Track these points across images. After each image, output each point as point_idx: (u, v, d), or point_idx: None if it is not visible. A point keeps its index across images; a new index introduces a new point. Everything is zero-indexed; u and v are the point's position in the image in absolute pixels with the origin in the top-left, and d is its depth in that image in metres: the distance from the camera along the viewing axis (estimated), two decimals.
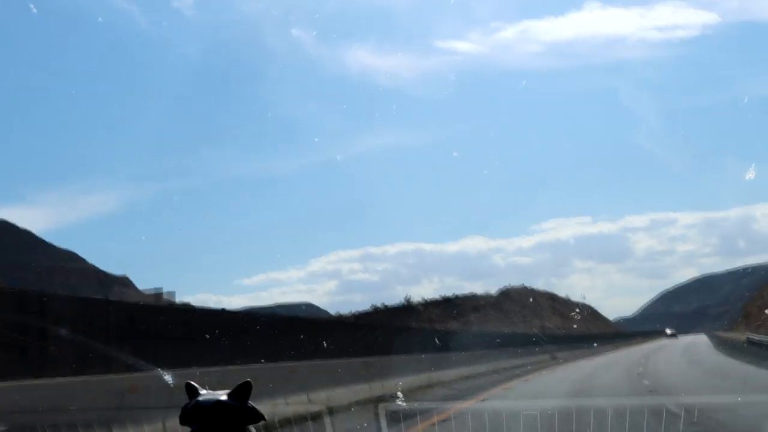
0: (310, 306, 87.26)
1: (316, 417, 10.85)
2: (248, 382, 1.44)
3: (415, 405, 13.63)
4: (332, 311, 65.29)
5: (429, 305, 74.27)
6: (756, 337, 42.39)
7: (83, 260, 68.08)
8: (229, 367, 10.98)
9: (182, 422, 1.45)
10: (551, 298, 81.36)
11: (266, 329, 13.59)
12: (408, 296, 76.30)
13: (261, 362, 11.96)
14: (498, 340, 35.02)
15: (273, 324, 14.90)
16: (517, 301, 72.84)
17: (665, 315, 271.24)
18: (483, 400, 16.13)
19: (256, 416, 1.45)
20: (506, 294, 75.55)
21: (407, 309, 72.87)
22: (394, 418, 11.31)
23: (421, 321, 67.09)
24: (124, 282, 69.41)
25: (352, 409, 12.75)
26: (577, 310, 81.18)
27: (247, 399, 1.44)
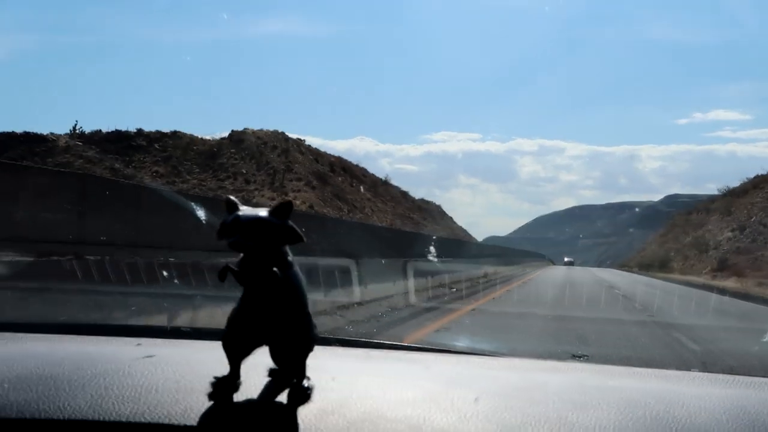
0: None
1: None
2: (289, 201, 1.65)
3: None
4: None
5: (87, 138, 50.64)
6: None
7: None
8: None
9: (220, 236, 1.63)
10: (330, 162, 54.62)
11: None
12: (78, 127, 52.54)
13: None
14: None
15: None
16: (255, 153, 47.70)
17: (539, 239, 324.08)
18: None
19: (295, 236, 1.65)
20: (238, 139, 49.27)
21: (35, 140, 49.67)
22: None
23: (54, 163, 43.82)
24: None
25: None
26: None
27: (288, 218, 1.64)
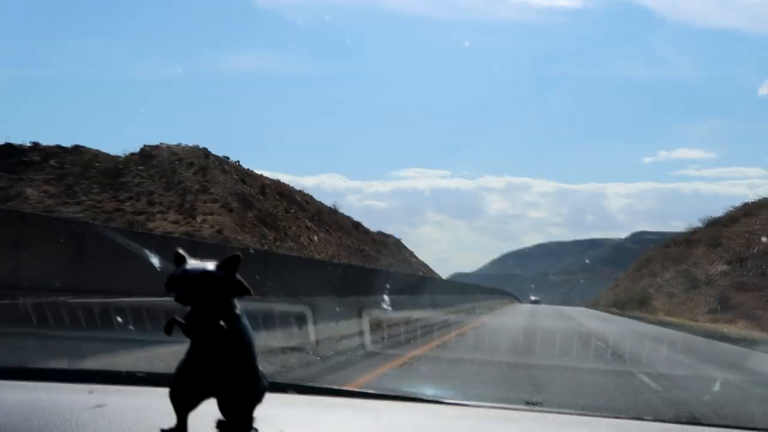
0: None
1: None
2: (237, 255, 1.92)
3: None
4: None
5: None
6: None
7: None
8: None
9: (168, 289, 1.90)
10: (262, 184, 55.55)
11: None
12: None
13: None
14: None
15: None
16: (166, 170, 45.19)
17: (506, 276, 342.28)
18: None
19: (243, 289, 1.94)
20: (149, 155, 49.05)
21: None
22: None
23: None
24: None
25: None
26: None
27: (235, 272, 1.92)
